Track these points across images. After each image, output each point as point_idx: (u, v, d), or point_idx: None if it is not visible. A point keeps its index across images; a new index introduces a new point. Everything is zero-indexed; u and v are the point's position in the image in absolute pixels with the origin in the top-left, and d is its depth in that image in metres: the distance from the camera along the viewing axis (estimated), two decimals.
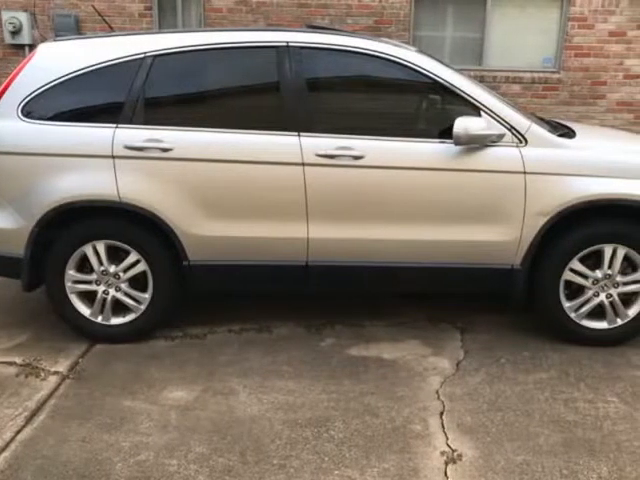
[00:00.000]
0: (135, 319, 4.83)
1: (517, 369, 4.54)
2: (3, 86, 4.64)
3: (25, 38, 9.52)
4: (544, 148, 4.55)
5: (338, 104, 4.93)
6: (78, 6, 9.48)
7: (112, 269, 4.73)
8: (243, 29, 5.02)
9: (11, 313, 5.42)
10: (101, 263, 4.70)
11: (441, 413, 4.00)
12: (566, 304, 4.75)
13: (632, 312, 4.78)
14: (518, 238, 4.60)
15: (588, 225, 4.62)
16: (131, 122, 4.56)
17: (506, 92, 9.16)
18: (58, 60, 4.67)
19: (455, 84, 4.59)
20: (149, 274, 4.72)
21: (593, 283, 4.72)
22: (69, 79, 4.60)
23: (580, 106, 9.67)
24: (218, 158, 4.52)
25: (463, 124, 4.37)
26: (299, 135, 4.53)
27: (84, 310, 4.81)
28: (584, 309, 4.77)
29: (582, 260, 4.67)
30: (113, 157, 4.50)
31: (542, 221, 4.54)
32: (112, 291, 4.77)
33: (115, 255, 4.73)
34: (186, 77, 4.70)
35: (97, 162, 4.51)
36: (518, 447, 3.67)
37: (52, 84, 4.60)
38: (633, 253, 4.64)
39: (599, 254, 4.66)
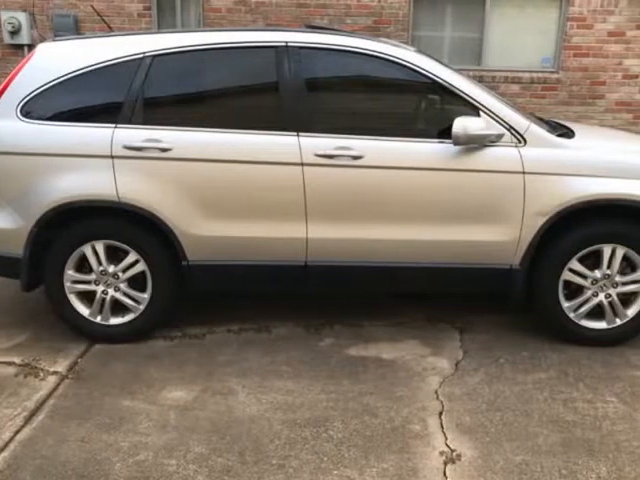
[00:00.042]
0: (134, 319, 4.82)
1: (516, 369, 4.54)
2: (2, 86, 4.64)
3: (24, 38, 9.52)
4: (543, 148, 4.55)
5: (337, 104, 4.93)
6: (77, 6, 9.48)
7: (111, 269, 4.73)
8: (242, 29, 5.02)
9: (10, 313, 5.41)
10: (100, 263, 4.70)
11: (440, 413, 4.01)
12: (565, 304, 4.75)
13: (631, 312, 4.78)
14: (517, 238, 4.60)
15: (587, 225, 4.62)
16: (130, 122, 4.56)
17: (505, 92, 9.16)
18: (57, 60, 4.66)
19: (454, 84, 4.59)
20: (148, 274, 4.72)
21: (592, 283, 4.72)
22: (68, 79, 4.60)
23: (579, 106, 9.67)
24: (217, 158, 4.52)
25: (462, 124, 4.37)
26: (298, 135, 4.53)
27: (83, 310, 4.81)
28: (583, 309, 4.77)
29: (581, 260, 4.67)
30: (112, 157, 4.50)
31: (541, 221, 4.54)
32: (111, 291, 4.77)
33: (114, 255, 4.72)
34: (185, 77, 4.70)
35: (96, 162, 4.51)
36: (517, 447, 3.67)
37: (51, 84, 4.59)
38: (632, 253, 4.64)
39: (598, 254, 4.66)
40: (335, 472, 3.46)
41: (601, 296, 4.75)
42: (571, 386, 4.32)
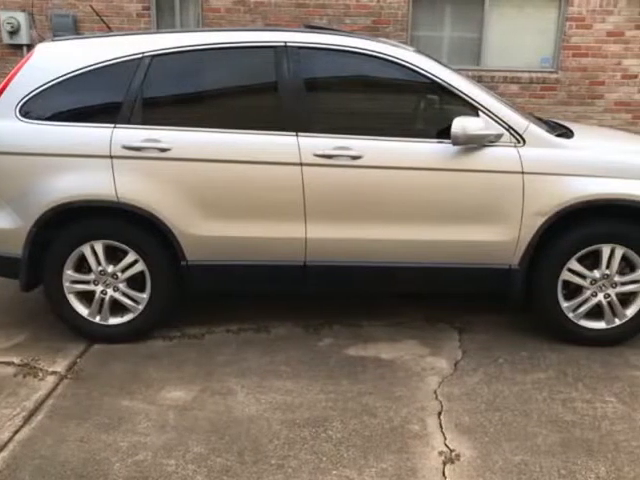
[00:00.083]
0: (133, 319, 4.82)
1: (515, 369, 4.54)
2: (1, 86, 4.64)
3: (23, 38, 9.51)
4: (542, 148, 4.55)
5: (336, 104, 4.94)
6: (76, 6, 9.48)
7: (110, 269, 4.73)
8: (241, 29, 5.04)
9: (9, 313, 5.41)
10: (99, 263, 4.70)
11: (439, 413, 4.01)
12: (564, 304, 4.75)
13: (630, 312, 4.78)
14: (516, 238, 4.60)
15: (586, 225, 4.62)
16: (129, 122, 4.55)
17: (504, 92, 9.16)
18: (56, 60, 4.66)
19: (453, 84, 4.59)
20: (147, 274, 4.72)
21: (591, 283, 4.72)
22: (67, 79, 4.60)
23: (578, 106, 9.67)
24: (216, 158, 4.52)
25: (461, 124, 4.37)
26: (297, 135, 4.53)
27: (82, 310, 4.81)
28: (582, 309, 4.77)
29: (580, 260, 4.67)
30: (111, 157, 4.50)
31: (540, 221, 4.54)
32: (110, 291, 4.77)
33: (113, 255, 4.72)
34: (184, 77, 4.70)
35: (95, 162, 4.51)
36: (516, 447, 3.68)
37: (50, 84, 4.59)
38: (631, 253, 4.64)
39: (597, 254, 4.66)
40: (334, 472, 3.46)
41: (600, 296, 4.75)
42: (570, 386, 4.32)
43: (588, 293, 4.75)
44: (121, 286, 4.77)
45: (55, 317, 4.91)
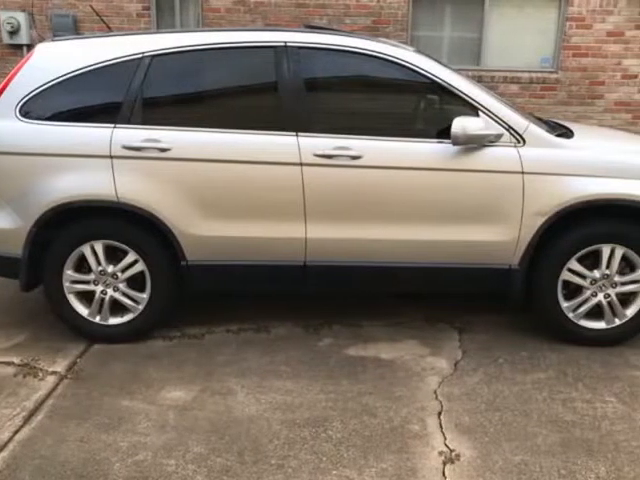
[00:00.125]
0: (133, 319, 4.82)
1: (515, 369, 4.54)
2: (1, 86, 4.64)
3: (23, 38, 9.51)
4: (542, 148, 4.55)
5: (336, 104, 4.94)
6: (76, 6, 9.48)
7: (110, 269, 4.73)
8: (241, 29, 5.04)
9: (9, 313, 5.41)
10: (99, 263, 4.70)
11: (439, 413, 4.01)
12: (564, 304, 4.75)
13: (630, 312, 4.78)
14: (516, 238, 4.60)
15: (586, 225, 4.62)
16: (129, 122, 4.55)
17: (504, 92, 9.16)
18: (56, 60, 4.66)
19: (453, 84, 4.59)
20: (147, 274, 4.72)
21: (591, 283, 4.72)
22: (67, 79, 4.60)
23: (578, 106, 9.67)
24: (216, 158, 4.52)
25: (461, 124, 4.37)
26: (297, 135, 4.53)
27: (82, 310, 4.81)
28: (582, 309, 4.77)
29: (580, 260, 4.67)
30: (111, 157, 4.50)
31: (540, 221, 4.54)
32: (110, 291, 4.77)
33: (113, 255, 4.72)
34: (184, 77, 4.70)
35: (95, 162, 4.51)
36: (516, 447, 3.68)
37: (50, 84, 4.59)
38: (631, 253, 4.64)
39: (597, 254, 4.66)
40: (334, 472, 3.46)
41: (600, 296, 4.75)
42: (570, 386, 4.32)
43: (588, 293, 4.75)
44: (121, 286, 4.77)
45: (55, 317, 4.91)
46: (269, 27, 9.07)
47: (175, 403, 4.10)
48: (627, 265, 4.72)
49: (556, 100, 9.63)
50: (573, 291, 4.78)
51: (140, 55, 4.60)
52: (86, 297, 4.82)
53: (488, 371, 4.51)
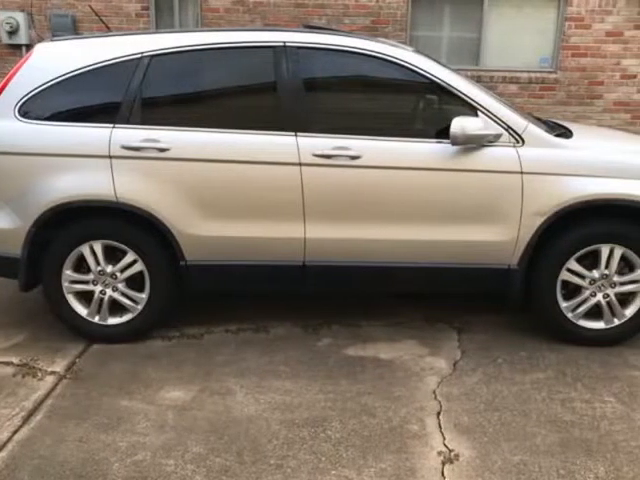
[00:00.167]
0: (132, 319, 4.82)
1: (514, 369, 4.54)
2: (0, 86, 4.64)
3: (22, 38, 9.51)
4: (541, 148, 4.55)
5: (335, 104, 4.94)
6: (75, 6, 9.48)
7: (109, 269, 4.73)
8: (240, 29, 5.04)
9: (8, 313, 5.41)
10: (98, 263, 4.70)
11: (438, 413, 4.01)
12: (563, 304, 4.75)
13: (629, 312, 4.78)
14: (515, 238, 4.60)
15: (585, 225, 4.63)
16: (128, 122, 4.55)
17: (503, 92, 9.16)
18: (55, 60, 4.66)
19: (452, 84, 4.59)
20: (146, 274, 4.72)
21: (590, 283, 4.72)
22: (66, 79, 4.60)
23: (577, 106, 9.68)
24: (215, 158, 4.52)
25: (460, 124, 4.37)
26: (296, 135, 4.53)
27: (81, 310, 4.81)
28: (581, 309, 4.77)
29: (579, 260, 4.67)
30: (110, 157, 4.50)
31: (539, 221, 4.54)
32: (109, 291, 4.77)
33: (112, 255, 4.72)
34: (183, 77, 4.70)
35: (94, 162, 4.51)
36: (515, 447, 3.68)
37: (49, 84, 4.59)
38: (630, 253, 4.64)
39: (596, 254, 4.66)
40: (333, 472, 3.46)
41: (599, 296, 4.75)
42: (569, 386, 4.33)
43: (587, 293, 4.75)
44: (120, 286, 4.77)
45: (54, 317, 4.91)
46: (268, 27, 9.07)
47: (174, 403, 4.10)
48: (626, 265, 4.72)
49: (555, 100, 9.64)
50: (572, 291, 4.78)
51: (139, 55, 4.60)
52: (85, 297, 4.82)
53: (487, 371, 4.51)
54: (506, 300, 4.85)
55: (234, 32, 4.77)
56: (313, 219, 4.59)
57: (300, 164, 4.50)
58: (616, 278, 4.71)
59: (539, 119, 5.28)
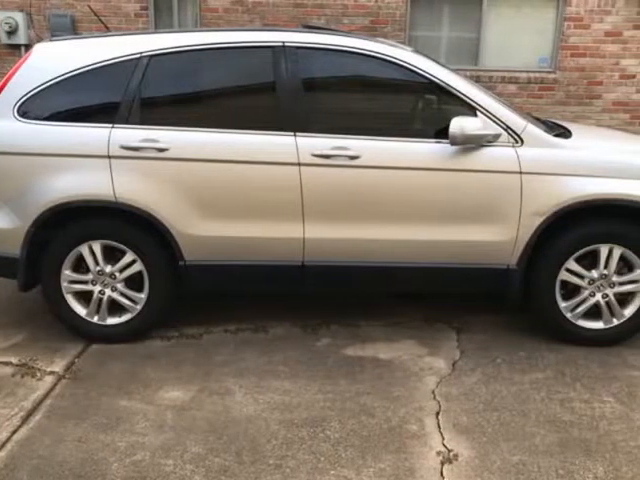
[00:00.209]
0: (131, 319, 4.82)
1: (513, 369, 4.54)
2: None
3: (21, 38, 9.50)
4: (540, 148, 4.56)
5: (334, 104, 4.94)
6: (74, 6, 9.47)
7: (108, 269, 4.72)
8: (239, 29, 5.04)
9: (7, 313, 5.41)
10: (97, 263, 4.70)
11: (437, 413, 4.01)
12: (562, 304, 4.76)
13: (628, 312, 4.78)
14: (514, 238, 4.60)
15: (584, 225, 4.63)
16: (127, 122, 4.55)
17: (502, 92, 9.16)
18: (54, 60, 4.66)
19: (451, 84, 4.59)
20: (145, 274, 4.72)
21: (589, 283, 4.72)
22: (65, 79, 4.60)
23: (576, 106, 9.67)
24: (214, 158, 4.52)
25: (459, 124, 4.37)
26: (295, 135, 4.53)
27: (80, 310, 4.80)
28: (580, 309, 4.77)
29: (578, 260, 4.67)
30: (109, 157, 4.50)
31: (538, 221, 4.54)
32: (108, 291, 4.77)
33: (111, 255, 4.72)
34: (182, 77, 4.70)
35: (93, 162, 4.51)
36: (514, 447, 3.68)
37: (48, 84, 4.59)
38: (629, 253, 4.64)
39: (595, 254, 4.66)
40: (332, 472, 3.46)
41: (598, 296, 4.75)
42: (568, 386, 4.33)
43: (586, 293, 4.75)
44: (119, 286, 4.76)
45: (53, 317, 4.92)
46: (267, 27, 9.06)
47: (173, 403, 4.09)
48: (625, 265, 4.72)
49: (554, 100, 9.63)
50: (571, 291, 4.79)
51: (138, 55, 4.60)
52: (84, 297, 4.82)
53: (486, 371, 4.51)
54: (505, 300, 4.86)
55: (233, 32, 4.77)
56: (312, 219, 4.59)
57: (299, 164, 4.50)
58: (615, 278, 4.71)
59: (538, 119, 5.28)
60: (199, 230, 4.60)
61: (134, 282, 4.77)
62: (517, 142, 4.54)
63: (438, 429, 3.84)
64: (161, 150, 4.49)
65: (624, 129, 8.62)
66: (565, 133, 4.98)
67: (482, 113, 4.54)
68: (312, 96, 4.74)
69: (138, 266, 4.70)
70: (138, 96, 4.58)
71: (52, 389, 4.24)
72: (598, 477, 3.43)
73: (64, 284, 4.72)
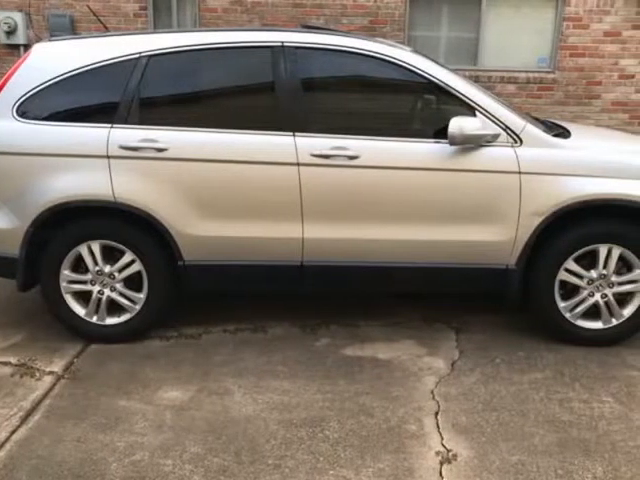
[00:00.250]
0: (130, 319, 4.82)
1: (512, 369, 4.54)
2: None
3: (20, 38, 9.50)
4: (539, 148, 4.56)
5: (333, 104, 4.94)
6: (73, 6, 9.47)
7: (107, 269, 4.72)
8: (238, 29, 5.03)
9: (6, 313, 5.41)
10: (96, 263, 4.70)
11: (436, 413, 4.01)
12: (561, 304, 4.76)
13: (627, 312, 4.78)
14: (513, 238, 4.60)
15: (583, 225, 4.63)
16: (126, 122, 4.55)
17: (501, 92, 9.16)
18: (53, 60, 4.66)
19: (450, 84, 4.59)
20: (144, 274, 4.72)
21: (588, 283, 4.72)
22: (64, 79, 4.59)
23: (575, 106, 9.68)
24: (213, 158, 4.52)
25: (458, 124, 4.37)
26: (294, 135, 4.53)
27: (79, 310, 4.80)
28: (579, 309, 4.78)
29: (577, 260, 4.67)
30: (108, 157, 4.50)
31: (537, 221, 4.54)
32: (107, 291, 4.77)
33: (110, 255, 4.72)
34: (181, 77, 4.70)
35: (92, 162, 4.51)
36: (513, 447, 3.68)
37: (47, 84, 4.59)
38: (628, 253, 4.64)
39: (594, 254, 4.66)
40: (331, 472, 3.46)
41: (597, 296, 4.75)
42: (567, 386, 4.33)
43: (585, 293, 4.75)
44: (118, 286, 4.76)
45: (52, 317, 4.91)
46: (266, 27, 9.06)
47: (172, 403, 4.09)
48: (624, 265, 4.72)
49: (553, 100, 9.63)
50: (570, 291, 4.79)
51: (137, 55, 4.60)
52: (83, 297, 4.82)
53: (485, 371, 4.51)
54: (504, 300, 4.85)
55: (232, 32, 4.77)
56: (311, 219, 4.59)
57: (298, 164, 4.50)
58: (614, 278, 4.71)
59: (537, 119, 5.29)
60: (198, 230, 4.60)
61: (133, 282, 4.77)
62: (516, 142, 4.54)
63: (437, 429, 3.84)
64: (160, 150, 4.49)
65: (623, 129, 8.63)
66: (564, 133, 4.98)
67: (481, 113, 4.54)
68: (311, 96, 4.74)
69: (137, 266, 4.70)
70: (137, 96, 4.58)
71: (51, 389, 4.24)
72: (597, 477, 3.43)
73: (63, 284, 4.72)
